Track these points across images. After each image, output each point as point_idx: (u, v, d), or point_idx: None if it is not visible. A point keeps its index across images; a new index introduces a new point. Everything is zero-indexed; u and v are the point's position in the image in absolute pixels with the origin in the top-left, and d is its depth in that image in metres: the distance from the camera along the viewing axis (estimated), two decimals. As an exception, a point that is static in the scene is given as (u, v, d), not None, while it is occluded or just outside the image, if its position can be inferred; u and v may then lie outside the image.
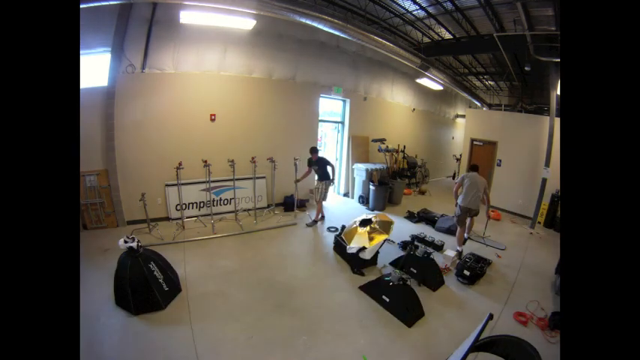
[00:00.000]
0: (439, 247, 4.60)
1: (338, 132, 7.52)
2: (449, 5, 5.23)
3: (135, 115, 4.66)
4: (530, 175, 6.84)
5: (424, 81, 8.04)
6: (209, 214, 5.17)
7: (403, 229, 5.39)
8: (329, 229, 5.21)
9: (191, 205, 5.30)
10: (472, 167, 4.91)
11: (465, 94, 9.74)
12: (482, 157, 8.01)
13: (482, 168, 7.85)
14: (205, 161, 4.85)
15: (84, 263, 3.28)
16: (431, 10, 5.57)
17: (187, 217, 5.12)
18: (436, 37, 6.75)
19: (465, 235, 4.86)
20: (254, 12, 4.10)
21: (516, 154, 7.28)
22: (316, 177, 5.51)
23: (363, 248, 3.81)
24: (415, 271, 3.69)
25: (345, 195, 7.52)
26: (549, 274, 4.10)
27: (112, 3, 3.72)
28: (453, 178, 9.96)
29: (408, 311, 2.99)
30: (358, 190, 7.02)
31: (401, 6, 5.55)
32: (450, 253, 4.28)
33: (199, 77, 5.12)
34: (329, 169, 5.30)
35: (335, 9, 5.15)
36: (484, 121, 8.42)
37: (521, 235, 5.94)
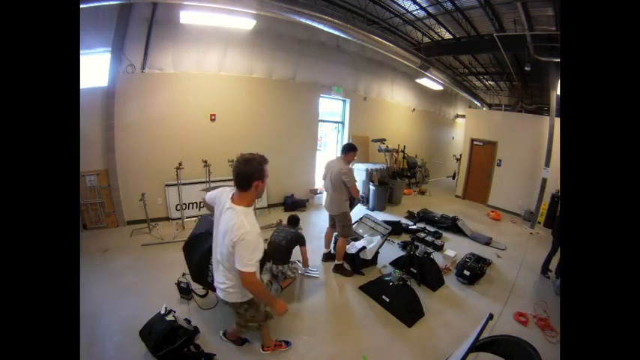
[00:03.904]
0: (439, 247, 4.60)
1: (338, 132, 7.52)
2: (449, 5, 5.23)
3: (135, 115, 4.65)
4: (530, 175, 6.84)
5: (424, 81, 8.03)
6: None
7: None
8: (329, 229, 5.19)
9: (191, 205, 5.30)
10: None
11: (465, 94, 9.73)
12: (482, 157, 8.02)
13: (483, 168, 7.96)
14: (205, 161, 4.84)
15: (84, 263, 3.27)
16: (431, 10, 5.56)
17: (187, 217, 5.12)
18: (436, 37, 6.75)
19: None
20: (254, 12, 4.09)
21: (516, 154, 7.27)
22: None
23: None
24: (415, 271, 3.69)
25: (345, 195, 7.51)
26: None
27: (112, 3, 3.72)
28: (453, 177, 9.94)
29: (408, 311, 2.99)
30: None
31: (401, 6, 5.55)
32: (450, 253, 4.28)
33: (199, 77, 5.12)
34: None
35: (335, 9, 5.14)
36: (484, 121, 8.41)
37: (521, 235, 5.94)
